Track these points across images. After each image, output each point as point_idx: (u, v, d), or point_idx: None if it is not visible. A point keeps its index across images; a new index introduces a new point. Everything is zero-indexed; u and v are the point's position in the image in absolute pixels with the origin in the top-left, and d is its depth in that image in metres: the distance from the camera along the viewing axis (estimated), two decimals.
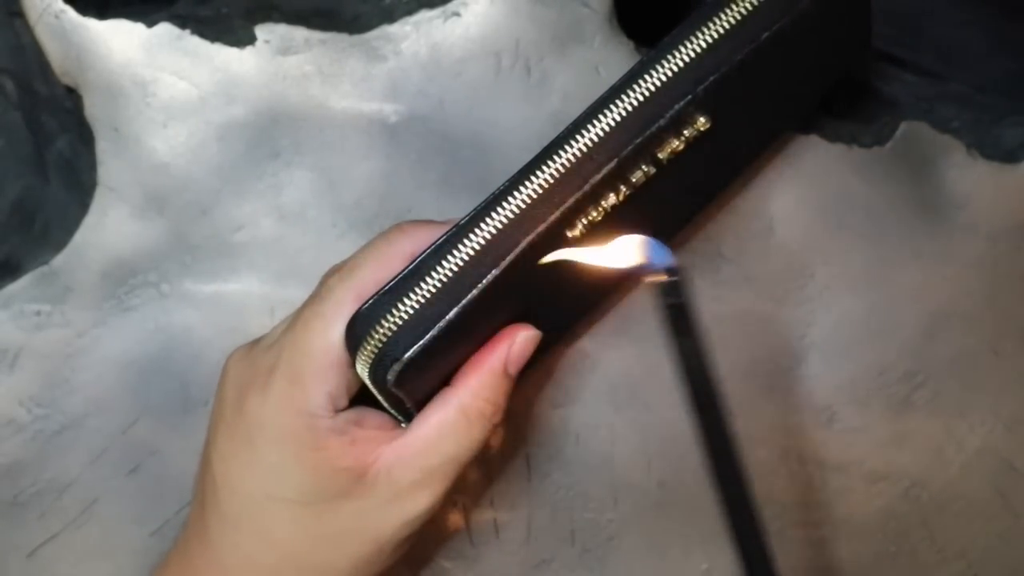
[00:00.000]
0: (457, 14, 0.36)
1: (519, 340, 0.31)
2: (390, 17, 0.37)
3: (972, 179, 0.39)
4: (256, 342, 0.33)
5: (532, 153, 0.29)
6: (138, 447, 0.37)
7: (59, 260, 0.36)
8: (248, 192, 0.37)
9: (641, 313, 0.39)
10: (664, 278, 0.27)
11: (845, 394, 0.39)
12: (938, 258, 0.40)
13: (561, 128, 0.29)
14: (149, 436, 0.37)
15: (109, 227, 0.36)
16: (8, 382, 0.37)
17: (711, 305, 0.39)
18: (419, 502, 0.31)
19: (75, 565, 0.37)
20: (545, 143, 0.29)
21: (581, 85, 0.37)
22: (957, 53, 0.42)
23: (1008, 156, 0.39)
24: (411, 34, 0.37)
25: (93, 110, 0.36)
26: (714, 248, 0.39)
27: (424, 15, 0.36)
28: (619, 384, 0.39)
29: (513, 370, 0.31)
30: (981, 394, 0.40)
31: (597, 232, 0.29)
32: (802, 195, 0.39)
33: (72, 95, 0.36)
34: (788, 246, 0.39)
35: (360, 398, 0.31)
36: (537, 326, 0.32)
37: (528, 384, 0.38)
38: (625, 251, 0.28)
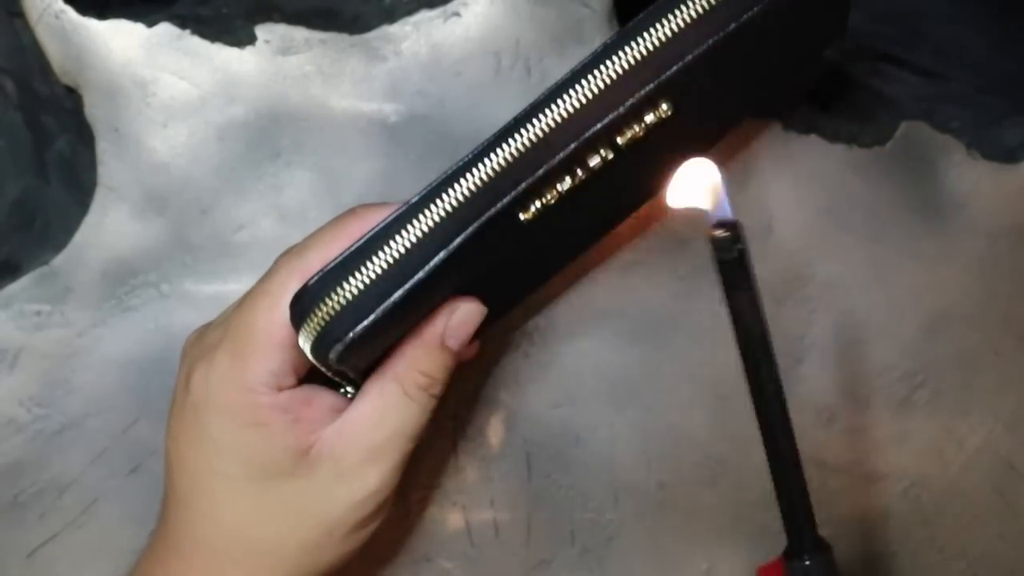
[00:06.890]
0: (457, 14, 0.36)
1: (458, 313, 0.31)
2: (390, 17, 0.37)
3: (972, 179, 0.39)
4: (210, 323, 0.33)
5: None
6: (138, 447, 0.37)
7: (59, 260, 0.36)
8: (248, 192, 0.37)
9: (640, 313, 0.39)
10: (720, 233, 0.26)
11: (845, 394, 0.39)
12: (938, 258, 0.40)
13: None
14: (149, 436, 0.37)
15: (109, 227, 0.36)
16: (8, 382, 0.37)
17: (711, 305, 0.39)
18: (367, 482, 0.31)
19: (75, 565, 0.37)
20: None
21: None
22: (957, 53, 0.42)
23: (1008, 156, 0.39)
24: (411, 34, 0.37)
25: (93, 110, 0.36)
26: None
27: (424, 15, 0.36)
28: (619, 384, 0.39)
29: (453, 343, 0.31)
30: (981, 394, 0.40)
31: (550, 216, 0.29)
32: (802, 195, 0.39)
33: (72, 95, 0.36)
34: (788, 246, 0.39)
35: (314, 375, 0.31)
36: (485, 298, 0.31)
37: (528, 384, 0.38)
38: (689, 195, 0.28)
